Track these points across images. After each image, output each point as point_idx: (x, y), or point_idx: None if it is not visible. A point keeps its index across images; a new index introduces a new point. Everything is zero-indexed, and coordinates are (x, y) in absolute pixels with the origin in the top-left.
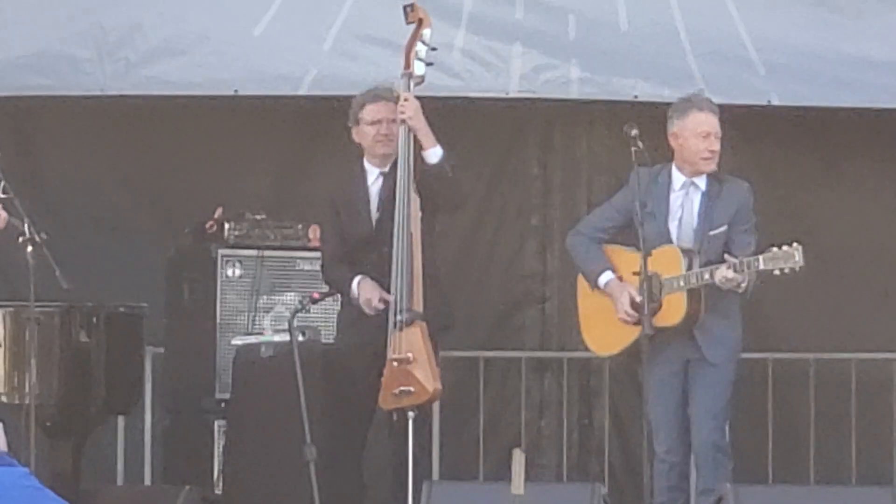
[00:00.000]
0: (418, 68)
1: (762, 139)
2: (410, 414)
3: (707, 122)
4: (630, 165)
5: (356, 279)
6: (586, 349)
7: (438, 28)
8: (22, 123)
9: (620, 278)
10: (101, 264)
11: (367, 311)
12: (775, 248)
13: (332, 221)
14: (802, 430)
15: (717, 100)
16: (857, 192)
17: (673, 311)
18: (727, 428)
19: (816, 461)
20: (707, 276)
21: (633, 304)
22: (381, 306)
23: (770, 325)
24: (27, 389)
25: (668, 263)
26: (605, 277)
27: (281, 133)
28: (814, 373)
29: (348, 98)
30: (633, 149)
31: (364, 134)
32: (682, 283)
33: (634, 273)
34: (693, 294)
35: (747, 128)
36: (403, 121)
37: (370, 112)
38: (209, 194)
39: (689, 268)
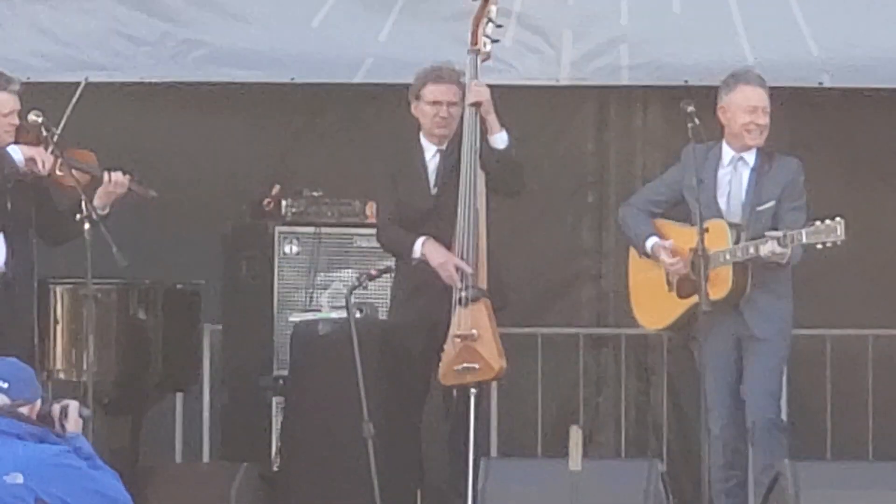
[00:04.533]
0: (485, 45)
1: (817, 118)
2: (472, 391)
3: (754, 97)
4: (685, 142)
5: (420, 239)
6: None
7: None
8: (79, 101)
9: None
10: (158, 241)
11: (443, 276)
12: (818, 223)
13: (389, 191)
14: (861, 406)
15: (769, 81)
16: None
17: (719, 284)
18: (783, 404)
19: (875, 438)
20: (752, 250)
21: (674, 252)
22: (457, 277)
23: (828, 302)
24: (85, 367)
25: (715, 237)
26: (651, 241)
27: (339, 111)
28: (872, 349)
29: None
30: (689, 125)
31: (423, 113)
32: (727, 257)
33: (690, 249)
34: (739, 268)
35: (801, 106)
36: (473, 105)
37: (431, 92)
38: (266, 171)
39: (737, 242)
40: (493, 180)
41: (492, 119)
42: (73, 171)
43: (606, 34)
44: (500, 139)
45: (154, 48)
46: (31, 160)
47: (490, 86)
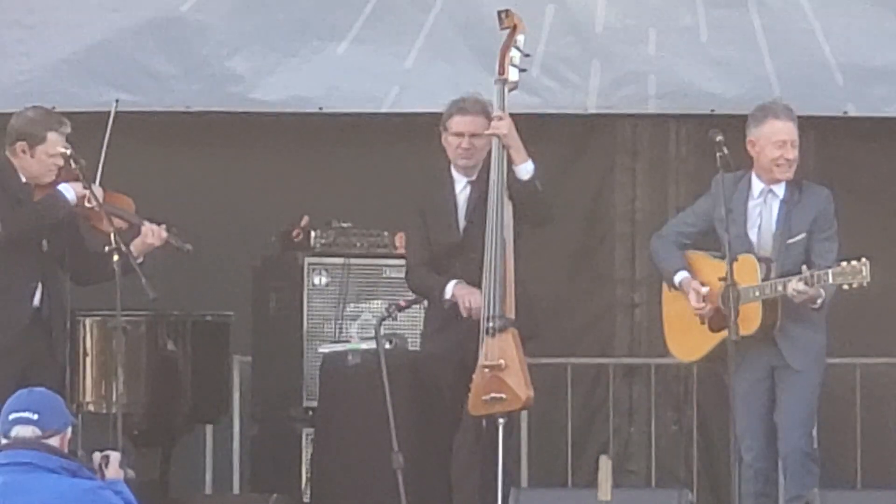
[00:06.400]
0: (512, 74)
1: (844, 148)
2: (501, 420)
3: (784, 131)
4: (715, 171)
5: (451, 283)
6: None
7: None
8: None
9: (702, 284)
10: (187, 273)
11: (462, 308)
12: (844, 263)
13: (418, 228)
14: (891, 435)
15: (794, 110)
16: None
17: (749, 320)
18: (815, 433)
19: None
20: (780, 287)
21: (700, 297)
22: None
23: (857, 330)
24: (114, 398)
25: (746, 272)
26: (680, 276)
27: (367, 142)
28: None
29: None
30: (717, 154)
31: (448, 144)
32: (756, 294)
33: (720, 279)
34: (769, 304)
35: (829, 137)
36: (492, 136)
37: (455, 124)
38: (295, 203)
39: (766, 276)
40: (519, 211)
41: (515, 150)
42: (112, 218)
43: (634, 63)
44: (524, 170)
45: (181, 78)
46: (83, 198)
47: (518, 114)
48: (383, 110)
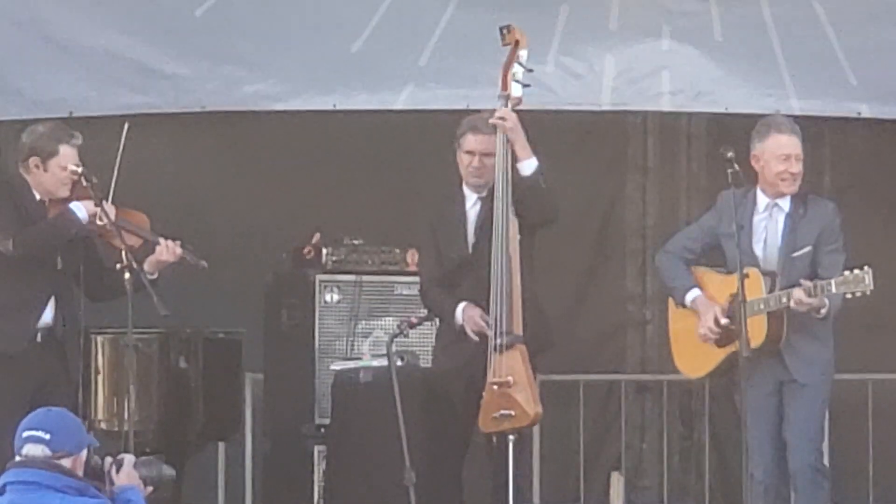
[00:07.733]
0: (515, 90)
1: (854, 159)
2: (511, 437)
3: (787, 145)
4: (727, 187)
5: (461, 306)
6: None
7: (532, 39)
8: (115, 145)
9: (710, 298)
10: (199, 290)
11: (469, 332)
12: (847, 272)
13: (429, 243)
14: None
15: (807, 111)
16: None
17: (755, 333)
18: (825, 449)
19: None
20: (785, 299)
21: (717, 323)
22: (483, 325)
23: (869, 346)
24: (126, 416)
25: (750, 286)
26: (693, 294)
27: (378, 157)
28: None
29: (444, 117)
30: (728, 171)
31: (460, 160)
32: (761, 307)
33: (731, 294)
34: (774, 317)
35: (839, 146)
36: (502, 130)
37: (467, 142)
38: (306, 220)
39: (771, 290)
40: (522, 209)
41: (520, 146)
42: (125, 234)
43: (648, 60)
44: (528, 165)
45: (196, 79)
46: (94, 216)
47: (532, 111)
48: (397, 107)
